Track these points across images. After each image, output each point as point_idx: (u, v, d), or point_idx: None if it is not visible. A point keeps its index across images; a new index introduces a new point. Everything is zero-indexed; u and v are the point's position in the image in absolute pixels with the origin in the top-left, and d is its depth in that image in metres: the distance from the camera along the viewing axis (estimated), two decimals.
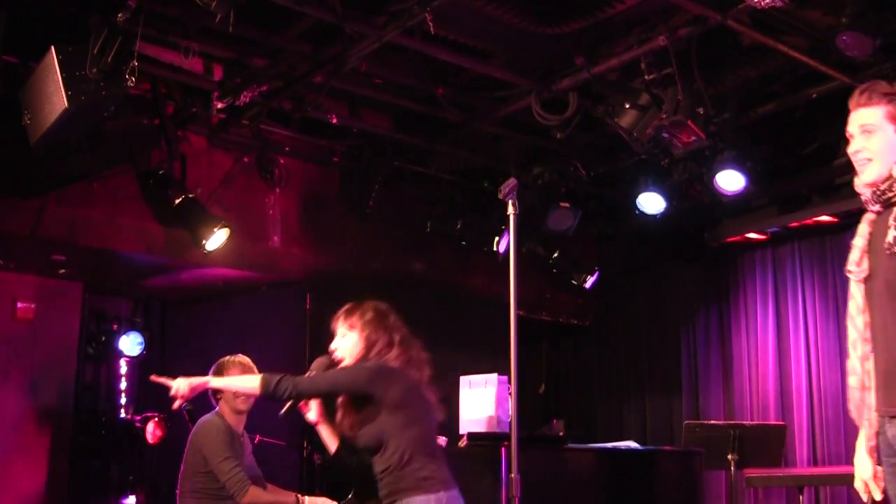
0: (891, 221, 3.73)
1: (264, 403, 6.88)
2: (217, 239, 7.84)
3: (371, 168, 8.82)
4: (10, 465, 8.52)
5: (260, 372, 6.89)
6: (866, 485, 3.95)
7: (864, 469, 3.96)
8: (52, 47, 5.87)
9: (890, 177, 3.79)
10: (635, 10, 6.60)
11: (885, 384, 3.76)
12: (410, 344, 4.96)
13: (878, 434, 3.84)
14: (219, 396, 6.73)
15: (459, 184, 9.57)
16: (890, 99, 3.86)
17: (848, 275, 3.95)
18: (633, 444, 7.34)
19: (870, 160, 3.84)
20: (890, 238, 3.71)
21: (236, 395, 6.71)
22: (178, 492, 6.58)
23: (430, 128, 8.60)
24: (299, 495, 6.62)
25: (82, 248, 7.94)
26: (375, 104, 8.35)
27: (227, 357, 6.89)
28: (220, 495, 6.45)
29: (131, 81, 5.95)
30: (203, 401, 7.28)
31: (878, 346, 3.81)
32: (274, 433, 7.40)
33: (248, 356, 7.05)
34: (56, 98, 5.87)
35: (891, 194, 3.78)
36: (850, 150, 3.93)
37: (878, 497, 3.93)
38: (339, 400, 4.91)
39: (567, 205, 9.28)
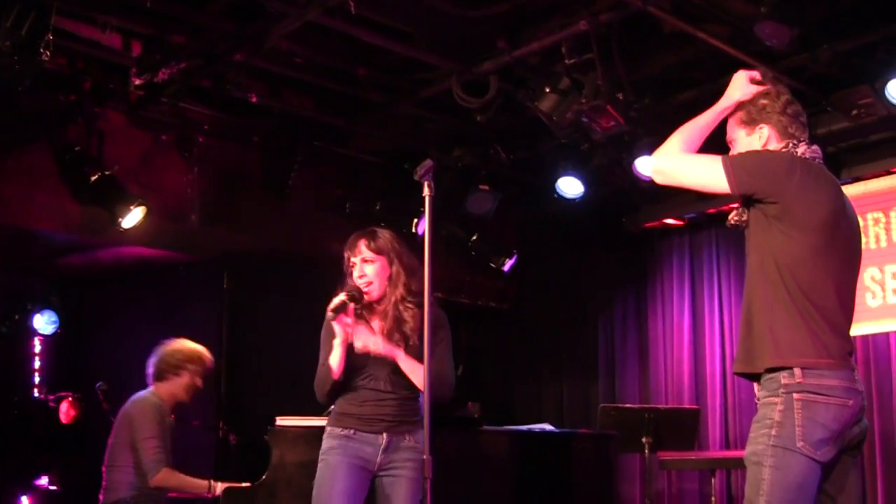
0: None
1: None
2: (133, 217, 7.76)
3: (291, 148, 8.77)
4: None
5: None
6: None
7: None
8: None
9: None
10: None
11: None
12: None
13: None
14: (167, 377, 6.66)
15: (380, 165, 9.54)
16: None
17: None
18: (548, 427, 7.40)
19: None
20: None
21: (188, 389, 6.67)
22: (104, 466, 6.52)
23: (352, 109, 8.56)
24: (212, 481, 6.58)
25: None
26: (296, 84, 8.29)
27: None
28: None
29: (46, 55, 5.85)
30: (118, 381, 7.22)
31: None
32: (189, 414, 7.35)
33: (165, 335, 6.98)
34: None
35: None
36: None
37: None
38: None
39: (487, 188, 9.33)
